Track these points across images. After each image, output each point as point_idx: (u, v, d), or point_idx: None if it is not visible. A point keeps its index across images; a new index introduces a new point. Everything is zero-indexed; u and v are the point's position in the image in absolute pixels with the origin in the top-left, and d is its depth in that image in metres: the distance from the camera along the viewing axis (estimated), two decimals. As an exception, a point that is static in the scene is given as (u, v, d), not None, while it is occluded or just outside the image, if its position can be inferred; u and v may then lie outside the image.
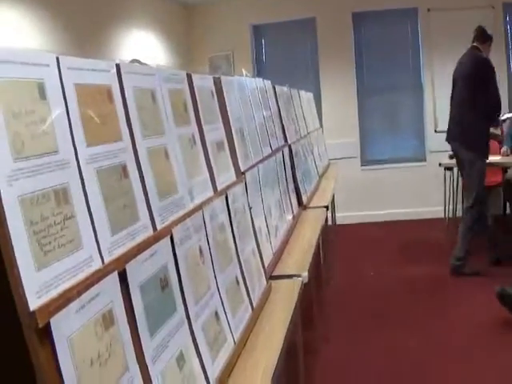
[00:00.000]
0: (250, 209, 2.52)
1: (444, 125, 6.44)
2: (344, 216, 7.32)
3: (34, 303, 0.94)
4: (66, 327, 1.00)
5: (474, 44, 5.59)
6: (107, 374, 1.10)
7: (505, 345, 4.08)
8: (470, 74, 5.39)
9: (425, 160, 7.81)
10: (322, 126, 7.67)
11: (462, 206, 7.30)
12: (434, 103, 7.51)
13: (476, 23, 7.53)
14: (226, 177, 2.25)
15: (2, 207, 0.92)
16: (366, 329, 4.59)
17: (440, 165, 6.29)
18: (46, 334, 0.95)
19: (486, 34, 5.62)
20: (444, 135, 6.21)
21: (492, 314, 4.47)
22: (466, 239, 5.44)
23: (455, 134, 5.60)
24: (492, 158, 6.17)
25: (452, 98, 5.73)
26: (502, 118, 6.14)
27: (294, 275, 2.73)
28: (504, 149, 6.28)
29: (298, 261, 3.01)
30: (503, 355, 3.93)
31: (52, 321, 0.96)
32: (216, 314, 1.76)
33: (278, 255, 3.01)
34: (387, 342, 4.31)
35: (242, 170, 2.58)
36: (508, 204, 6.81)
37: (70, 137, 1.18)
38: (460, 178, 7.11)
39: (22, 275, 0.93)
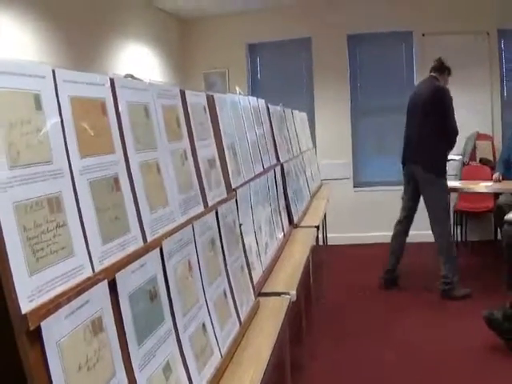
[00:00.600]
0: (240, 225, 2.55)
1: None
2: (335, 237, 7.34)
3: (25, 307, 0.97)
4: (55, 331, 1.02)
5: (432, 74, 5.89)
6: (95, 378, 1.12)
7: (493, 370, 4.09)
8: (430, 102, 5.64)
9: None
10: (315, 146, 7.72)
11: (453, 230, 7.37)
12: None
13: (470, 48, 7.67)
14: (216, 193, 2.28)
15: (-3, 213, 0.95)
16: (353, 347, 4.61)
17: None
18: (36, 337, 0.98)
19: (445, 65, 5.93)
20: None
21: (480, 337, 4.49)
22: (451, 262, 5.51)
23: (413, 157, 5.84)
24: (484, 184, 6.25)
25: (407, 123, 6.01)
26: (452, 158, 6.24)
27: (283, 293, 2.76)
28: (496, 175, 6.34)
29: (287, 279, 3.04)
30: (491, 379, 3.96)
31: (43, 324, 0.99)
32: (204, 326, 1.79)
33: (268, 272, 3.04)
34: (374, 361, 4.32)
35: (233, 187, 2.62)
36: (499, 230, 6.86)
37: (64, 148, 1.21)
38: (451, 203, 7.21)
39: (14, 279, 0.96)
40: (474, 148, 7.88)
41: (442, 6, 7.75)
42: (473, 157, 7.85)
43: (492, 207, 6.91)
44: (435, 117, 5.62)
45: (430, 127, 5.67)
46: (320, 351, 4.49)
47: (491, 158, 7.70)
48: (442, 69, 5.95)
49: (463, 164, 7.91)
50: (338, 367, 4.27)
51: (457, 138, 5.77)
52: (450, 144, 5.77)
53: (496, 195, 6.50)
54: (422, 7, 7.79)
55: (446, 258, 5.60)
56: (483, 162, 7.72)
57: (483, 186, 6.29)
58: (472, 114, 7.88)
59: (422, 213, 6.32)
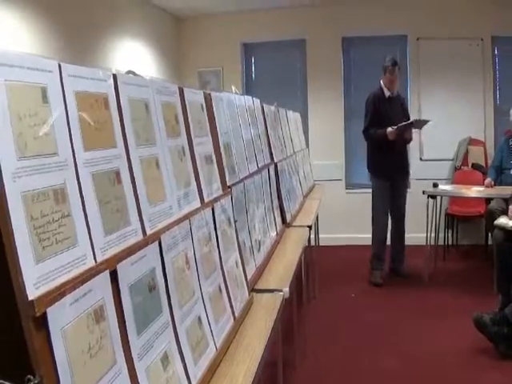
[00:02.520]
0: (235, 222, 2.58)
1: (430, 153, 6.59)
2: (327, 237, 7.36)
3: (32, 293, 1.00)
4: (60, 318, 1.05)
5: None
6: (97, 364, 1.15)
7: (479, 372, 4.14)
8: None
9: (409, 187, 7.86)
10: (308, 146, 7.74)
11: (444, 234, 7.44)
12: (420, 131, 7.57)
13: (464, 54, 7.73)
14: (212, 189, 2.31)
15: (6, 201, 0.98)
16: (344, 347, 4.65)
17: (424, 192, 6.37)
18: (42, 323, 1.01)
19: (383, 65, 6.37)
20: (431, 163, 6.42)
21: (469, 340, 4.54)
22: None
23: None
24: (475, 189, 6.30)
25: None
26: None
27: (276, 290, 2.79)
28: (488, 180, 6.39)
29: (280, 276, 3.07)
30: (481, 380, 4.01)
31: (48, 311, 1.02)
32: (199, 319, 1.82)
33: (261, 270, 3.07)
34: (365, 362, 4.36)
35: (229, 184, 2.65)
36: (490, 234, 6.91)
37: (68, 140, 1.24)
38: (443, 207, 7.29)
39: (21, 266, 0.99)
40: (467, 153, 7.93)
41: (438, 11, 7.81)
42: (465, 161, 7.90)
43: (483, 212, 6.94)
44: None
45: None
46: (311, 351, 4.53)
47: (483, 164, 7.75)
48: (383, 69, 6.38)
49: (455, 168, 7.96)
50: (329, 367, 4.31)
51: (367, 137, 6.35)
52: (369, 144, 6.43)
53: (487, 200, 6.54)
54: (417, 11, 7.85)
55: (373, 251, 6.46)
56: (475, 167, 7.76)
57: (475, 191, 6.34)
58: (465, 118, 7.95)
59: (417, 217, 6.41)
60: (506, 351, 4.29)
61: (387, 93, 6.33)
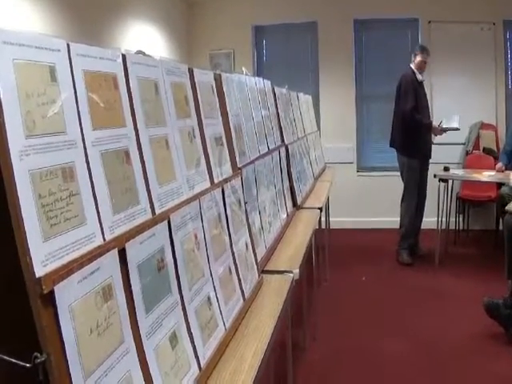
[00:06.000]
0: (246, 204, 2.58)
1: (441, 137, 6.57)
2: (337, 221, 7.36)
3: (40, 271, 1.00)
4: (68, 296, 1.06)
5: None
6: (104, 342, 1.16)
7: (490, 357, 4.15)
8: (397, 89, 6.46)
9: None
10: (319, 129, 7.72)
11: (455, 218, 7.42)
12: (431, 114, 7.53)
13: (476, 38, 7.68)
14: (222, 170, 2.31)
15: (14, 179, 0.98)
16: (354, 331, 4.66)
17: (435, 176, 6.35)
18: (49, 300, 1.02)
19: (415, 48, 6.56)
20: (442, 147, 6.41)
21: (480, 325, 4.55)
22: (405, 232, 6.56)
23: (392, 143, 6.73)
24: (487, 173, 6.27)
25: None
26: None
27: (286, 271, 2.78)
28: (499, 165, 6.37)
29: (290, 258, 3.06)
30: (491, 365, 4.02)
31: (56, 288, 1.02)
32: (209, 300, 1.82)
33: (271, 251, 3.07)
34: (375, 345, 4.38)
35: (239, 166, 2.64)
36: (501, 219, 6.88)
37: (77, 119, 1.24)
38: (454, 191, 7.26)
39: (29, 244, 0.99)
40: (478, 137, 7.89)
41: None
42: (476, 146, 7.87)
43: (495, 197, 6.92)
44: (398, 102, 6.40)
45: (396, 113, 6.47)
46: (321, 334, 4.55)
47: (494, 148, 7.71)
48: (412, 53, 6.54)
49: (467, 153, 7.93)
50: (338, 350, 4.33)
51: (412, 119, 6.22)
52: (408, 125, 6.30)
53: (499, 185, 6.52)
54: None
55: (404, 229, 6.48)
56: (486, 151, 7.73)
57: (486, 175, 6.31)
58: (476, 103, 7.91)
59: (428, 200, 6.38)
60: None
61: (419, 77, 6.38)
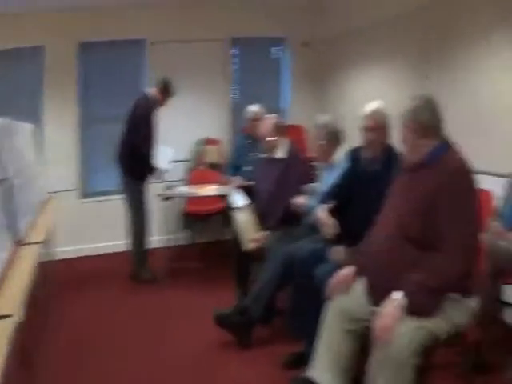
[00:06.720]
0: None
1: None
2: (65, 250, 7.18)
3: None
4: None
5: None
6: None
7: (227, 362, 4.42)
8: None
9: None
10: (43, 158, 7.40)
11: (183, 234, 7.62)
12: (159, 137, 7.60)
13: (205, 55, 8.25)
14: None
15: None
16: (92, 359, 4.57)
17: (159, 195, 6.54)
18: None
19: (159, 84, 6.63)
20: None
21: (212, 336, 4.78)
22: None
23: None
24: (210, 188, 6.61)
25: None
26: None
27: (7, 316, 2.67)
28: (227, 178, 6.68)
29: (11, 301, 2.93)
30: (225, 371, 4.28)
31: None
32: None
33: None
34: (109, 372, 4.34)
35: None
36: (226, 230, 7.15)
37: None
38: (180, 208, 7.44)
39: None
40: (203, 152, 8.22)
41: (175, 15, 8.08)
42: (201, 161, 8.17)
43: (221, 208, 7.18)
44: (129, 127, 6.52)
45: (126, 137, 6.57)
46: (52, 373, 4.33)
47: (219, 162, 8.00)
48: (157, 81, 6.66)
49: (191, 169, 8.20)
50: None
51: (140, 151, 6.42)
52: (135, 153, 6.48)
53: (224, 197, 6.77)
54: (151, 16, 7.98)
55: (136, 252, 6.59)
56: (211, 166, 8.05)
57: (209, 190, 6.59)
58: (205, 119, 8.36)
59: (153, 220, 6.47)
60: (244, 341, 4.62)
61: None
